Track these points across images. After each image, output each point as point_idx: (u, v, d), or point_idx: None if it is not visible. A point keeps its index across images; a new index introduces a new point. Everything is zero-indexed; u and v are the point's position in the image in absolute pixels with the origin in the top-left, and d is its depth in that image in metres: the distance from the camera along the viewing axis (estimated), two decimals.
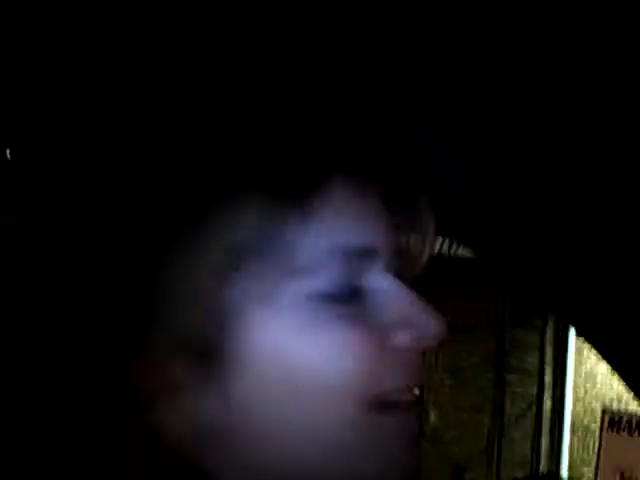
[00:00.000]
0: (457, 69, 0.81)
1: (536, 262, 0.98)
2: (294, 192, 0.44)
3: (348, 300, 0.50)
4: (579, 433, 8.37)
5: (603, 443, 4.85)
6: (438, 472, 8.71)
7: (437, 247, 0.56)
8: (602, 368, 8.43)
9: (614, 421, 4.78)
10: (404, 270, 0.54)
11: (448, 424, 9.02)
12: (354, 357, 0.50)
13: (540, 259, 0.98)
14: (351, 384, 0.49)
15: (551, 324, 8.61)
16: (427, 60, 0.74)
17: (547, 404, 8.73)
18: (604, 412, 4.98)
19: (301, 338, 0.48)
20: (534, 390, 8.80)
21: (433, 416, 8.97)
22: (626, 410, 4.55)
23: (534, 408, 8.79)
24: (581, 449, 8.30)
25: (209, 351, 0.44)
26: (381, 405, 0.52)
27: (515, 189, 0.91)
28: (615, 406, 5.04)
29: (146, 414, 0.45)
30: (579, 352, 8.45)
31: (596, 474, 4.73)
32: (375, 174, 0.50)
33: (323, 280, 0.47)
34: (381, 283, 0.53)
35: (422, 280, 0.59)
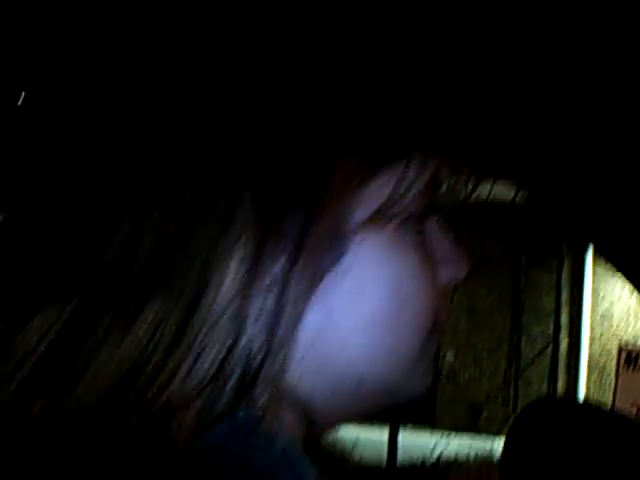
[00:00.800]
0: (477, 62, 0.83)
1: (573, 189, 1.02)
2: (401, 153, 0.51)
3: (418, 230, 0.52)
4: (595, 373, 8.43)
5: (619, 380, 4.87)
6: (455, 412, 8.83)
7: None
8: (619, 308, 8.44)
9: (630, 358, 4.79)
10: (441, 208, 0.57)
11: (465, 365, 9.11)
12: (429, 280, 0.52)
13: (576, 187, 1.02)
14: (427, 306, 0.51)
15: (567, 265, 8.60)
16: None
17: (563, 344, 8.77)
18: (620, 350, 4.99)
19: (396, 254, 0.50)
20: (550, 330, 8.83)
21: (450, 356, 9.06)
22: None
23: (550, 348, 8.84)
24: (597, 389, 8.36)
25: (313, 253, 0.47)
26: (433, 331, 0.53)
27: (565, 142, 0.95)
28: (631, 345, 5.06)
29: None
30: (596, 292, 8.46)
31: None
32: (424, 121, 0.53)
33: (412, 208, 0.50)
34: (430, 219, 0.54)
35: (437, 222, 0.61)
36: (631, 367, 4.73)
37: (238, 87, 0.48)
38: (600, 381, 8.40)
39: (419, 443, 7.47)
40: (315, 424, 0.51)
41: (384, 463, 5.71)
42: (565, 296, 8.81)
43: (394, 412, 5.67)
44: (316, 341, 0.49)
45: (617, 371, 4.87)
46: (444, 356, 9.21)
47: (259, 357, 0.46)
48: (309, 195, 0.47)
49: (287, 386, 0.49)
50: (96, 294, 0.45)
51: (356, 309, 0.49)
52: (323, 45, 0.50)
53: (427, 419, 9.13)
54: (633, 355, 4.73)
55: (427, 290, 0.51)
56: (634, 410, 4.47)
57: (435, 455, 6.84)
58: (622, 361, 4.82)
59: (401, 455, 5.84)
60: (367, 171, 0.49)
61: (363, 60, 0.51)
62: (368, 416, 0.57)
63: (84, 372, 0.44)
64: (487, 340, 9.36)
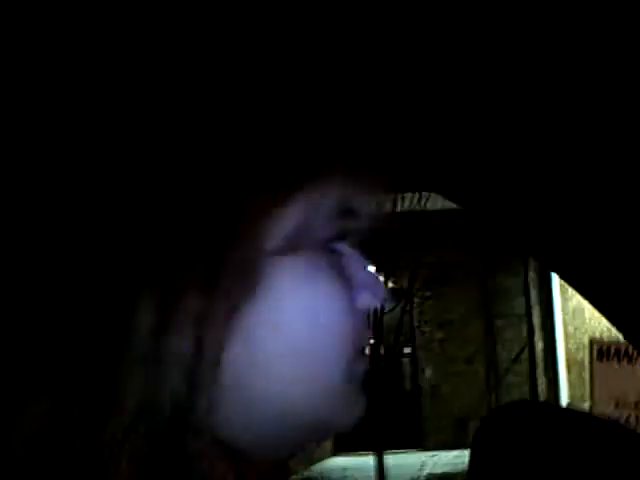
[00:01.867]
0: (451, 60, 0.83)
1: (524, 215, 1.02)
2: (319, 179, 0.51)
3: (333, 256, 0.52)
4: (575, 369, 8.44)
5: (594, 374, 4.91)
6: (441, 426, 8.80)
7: (409, 203, 0.58)
8: (588, 303, 8.48)
9: (602, 351, 4.84)
10: (354, 230, 0.56)
11: (444, 378, 9.09)
12: (346, 308, 0.51)
13: (528, 213, 1.01)
14: (347, 336, 0.51)
15: (533, 267, 8.66)
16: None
17: (539, 345, 8.81)
18: (592, 343, 5.03)
19: (313, 280, 0.50)
20: (524, 333, 8.87)
21: (428, 372, 9.05)
22: (615, 339, 4.62)
23: (527, 351, 8.87)
24: (579, 384, 8.36)
25: (228, 287, 0.46)
26: (357, 358, 0.52)
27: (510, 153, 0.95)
28: (606, 337, 5.10)
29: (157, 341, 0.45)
30: (563, 290, 8.52)
31: (592, 405, 4.80)
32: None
33: (325, 232, 0.50)
34: (343, 245, 0.54)
35: (397, 237, 0.61)
36: (604, 359, 4.77)
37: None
38: (580, 377, 8.42)
39: (407, 462, 7.43)
40: (247, 465, 0.50)
41: None
42: (534, 297, 8.88)
43: (378, 436, 5.64)
44: (238, 378, 0.48)
45: (591, 365, 4.92)
46: (423, 371, 9.21)
47: (183, 401, 0.46)
48: (221, 226, 0.47)
49: (215, 430, 0.48)
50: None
51: (276, 338, 0.49)
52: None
53: (414, 437, 9.09)
54: (604, 348, 4.78)
55: (347, 315, 0.51)
56: (613, 401, 4.50)
57: (424, 473, 6.80)
58: (595, 354, 4.87)
59: (391, 475, 5.81)
60: (278, 199, 0.49)
61: (269, 94, 0.52)
62: (303, 449, 0.57)
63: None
64: (463, 350, 9.37)
